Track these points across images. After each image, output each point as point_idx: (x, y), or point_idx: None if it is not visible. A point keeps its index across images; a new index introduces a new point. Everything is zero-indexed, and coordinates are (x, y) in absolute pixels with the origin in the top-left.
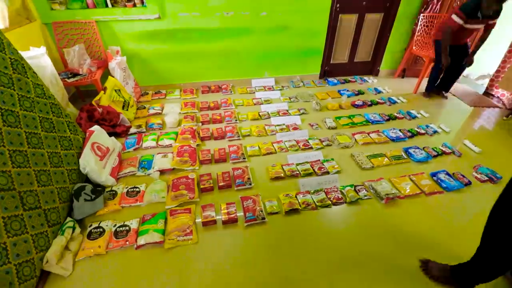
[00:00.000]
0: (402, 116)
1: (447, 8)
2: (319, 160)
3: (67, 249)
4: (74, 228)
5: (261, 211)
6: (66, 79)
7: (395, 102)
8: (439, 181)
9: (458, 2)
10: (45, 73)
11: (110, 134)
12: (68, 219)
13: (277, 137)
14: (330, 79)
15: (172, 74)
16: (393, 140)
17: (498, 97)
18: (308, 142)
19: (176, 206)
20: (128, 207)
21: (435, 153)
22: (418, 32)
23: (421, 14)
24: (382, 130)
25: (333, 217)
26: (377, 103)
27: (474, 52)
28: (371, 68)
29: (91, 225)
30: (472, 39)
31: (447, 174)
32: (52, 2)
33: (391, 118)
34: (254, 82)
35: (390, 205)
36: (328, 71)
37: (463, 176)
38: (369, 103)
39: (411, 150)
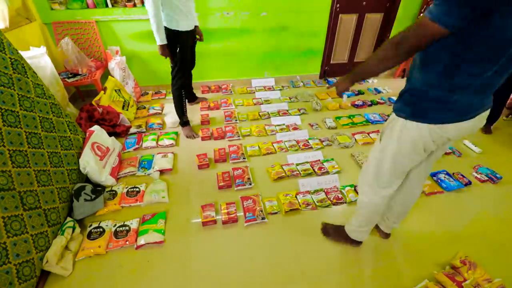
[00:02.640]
0: None
1: None
2: (319, 160)
3: (67, 249)
4: (74, 228)
5: (261, 211)
6: (66, 79)
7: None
8: (439, 181)
9: None
10: (45, 73)
11: (110, 134)
12: (68, 219)
13: (277, 137)
14: (330, 79)
15: None
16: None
17: None
18: (308, 142)
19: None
20: (128, 207)
21: None
22: None
23: (421, 14)
24: None
25: (333, 217)
26: (377, 103)
27: None
28: None
29: (91, 225)
30: None
31: (447, 174)
32: (52, 2)
33: None
34: (254, 82)
35: None
36: (328, 71)
37: (463, 176)
38: (369, 103)
39: None
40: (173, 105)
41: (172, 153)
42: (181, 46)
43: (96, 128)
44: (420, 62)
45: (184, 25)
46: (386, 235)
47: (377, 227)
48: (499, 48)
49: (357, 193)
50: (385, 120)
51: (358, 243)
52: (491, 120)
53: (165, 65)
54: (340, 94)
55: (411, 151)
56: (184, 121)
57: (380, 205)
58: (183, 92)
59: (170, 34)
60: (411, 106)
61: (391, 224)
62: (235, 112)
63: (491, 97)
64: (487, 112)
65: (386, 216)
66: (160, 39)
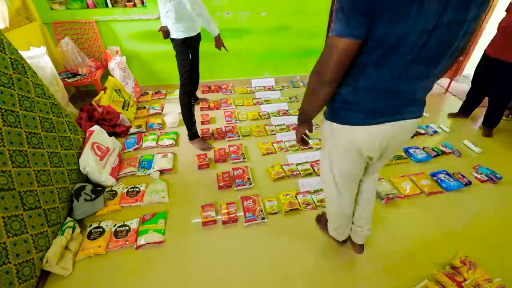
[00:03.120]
0: None
1: None
2: (319, 160)
3: (67, 249)
4: (74, 228)
5: (261, 211)
6: (66, 79)
7: None
8: (439, 181)
9: None
10: (45, 73)
11: (110, 134)
12: (68, 219)
13: (277, 137)
14: None
15: (172, 74)
16: None
17: None
18: (308, 142)
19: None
20: (128, 207)
21: (435, 153)
22: None
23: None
24: None
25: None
26: None
27: None
28: None
29: (91, 225)
30: None
31: (447, 174)
32: (52, 2)
33: None
34: (254, 82)
35: (390, 205)
36: None
37: (463, 176)
38: None
39: (411, 150)
40: (172, 105)
41: (172, 153)
42: (192, 52)
43: (96, 128)
44: None
45: (192, 30)
46: (359, 248)
47: (351, 242)
48: (389, 54)
49: None
50: None
51: (336, 241)
52: (492, 123)
53: (165, 65)
54: (300, 141)
55: (340, 152)
56: (193, 133)
57: (334, 205)
58: (192, 100)
59: (180, 42)
60: (329, 106)
61: (359, 231)
62: (235, 112)
63: (414, 107)
64: (411, 123)
65: (350, 227)
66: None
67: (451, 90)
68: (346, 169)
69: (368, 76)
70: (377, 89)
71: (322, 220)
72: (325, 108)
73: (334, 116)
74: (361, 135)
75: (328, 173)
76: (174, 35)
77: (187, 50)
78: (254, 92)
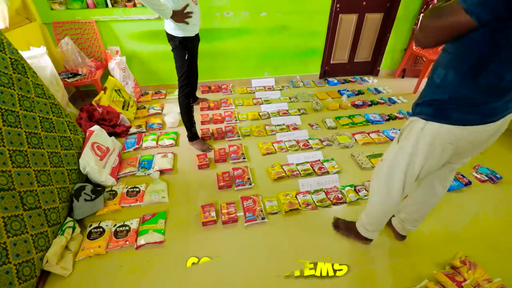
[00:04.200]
0: (402, 116)
1: None
2: (319, 160)
3: (67, 249)
4: (74, 228)
5: (261, 211)
6: (66, 79)
7: (395, 102)
8: None
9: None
10: (45, 73)
11: (110, 134)
12: (68, 219)
13: (277, 137)
14: (330, 79)
15: (172, 74)
16: (393, 140)
17: None
18: (308, 142)
19: None
20: (128, 207)
21: None
22: None
23: (421, 14)
24: (382, 130)
25: (333, 217)
26: (377, 103)
27: None
28: (371, 68)
29: (91, 225)
30: None
31: None
32: (52, 2)
33: (391, 118)
34: (254, 82)
35: None
36: (328, 71)
37: (463, 176)
38: (369, 103)
39: None
40: (172, 105)
41: (172, 153)
42: (189, 53)
43: (96, 128)
44: (445, 61)
45: (191, 30)
46: (402, 237)
47: (392, 229)
48: None
49: (357, 193)
50: (385, 120)
51: (368, 240)
52: None
53: (165, 65)
54: None
55: (428, 154)
56: (193, 134)
57: (391, 207)
58: (192, 101)
59: (178, 42)
60: (433, 106)
61: (408, 227)
62: (235, 112)
63: None
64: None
65: (402, 219)
66: (166, 12)
67: None
68: (426, 170)
69: (494, 73)
70: (503, 87)
71: (341, 226)
72: (417, 107)
73: (444, 117)
74: (473, 134)
75: (398, 175)
76: (172, 32)
77: (185, 51)
78: (254, 92)
